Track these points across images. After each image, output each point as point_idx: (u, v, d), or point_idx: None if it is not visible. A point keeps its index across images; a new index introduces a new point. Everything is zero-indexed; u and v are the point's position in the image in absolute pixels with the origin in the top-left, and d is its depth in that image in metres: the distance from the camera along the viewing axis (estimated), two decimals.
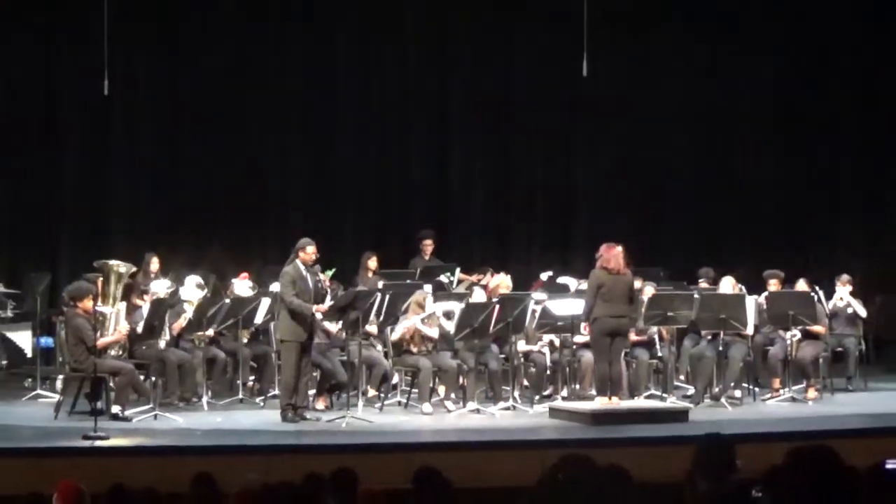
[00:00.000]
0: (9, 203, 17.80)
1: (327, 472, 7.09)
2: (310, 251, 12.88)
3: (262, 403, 13.94)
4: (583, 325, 13.75)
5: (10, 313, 15.59)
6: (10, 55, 17.80)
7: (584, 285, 13.74)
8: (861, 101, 19.39)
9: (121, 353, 13.43)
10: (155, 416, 12.59)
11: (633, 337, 14.10)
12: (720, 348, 14.14)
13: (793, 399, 14.35)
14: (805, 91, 19.38)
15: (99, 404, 12.75)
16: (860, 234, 19.55)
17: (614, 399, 12.98)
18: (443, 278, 15.91)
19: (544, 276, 15.95)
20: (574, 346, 14.09)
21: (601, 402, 12.92)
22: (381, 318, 13.58)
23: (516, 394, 13.87)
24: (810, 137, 19.59)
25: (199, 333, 14.06)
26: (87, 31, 17.06)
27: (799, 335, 14.70)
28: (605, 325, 12.97)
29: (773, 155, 19.61)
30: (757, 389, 14.66)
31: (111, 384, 12.84)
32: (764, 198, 19.51)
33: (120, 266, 13.88)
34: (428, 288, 14.66)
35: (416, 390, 13.88)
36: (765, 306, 14.70)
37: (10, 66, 17.82)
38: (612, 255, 13.05)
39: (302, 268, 12.82)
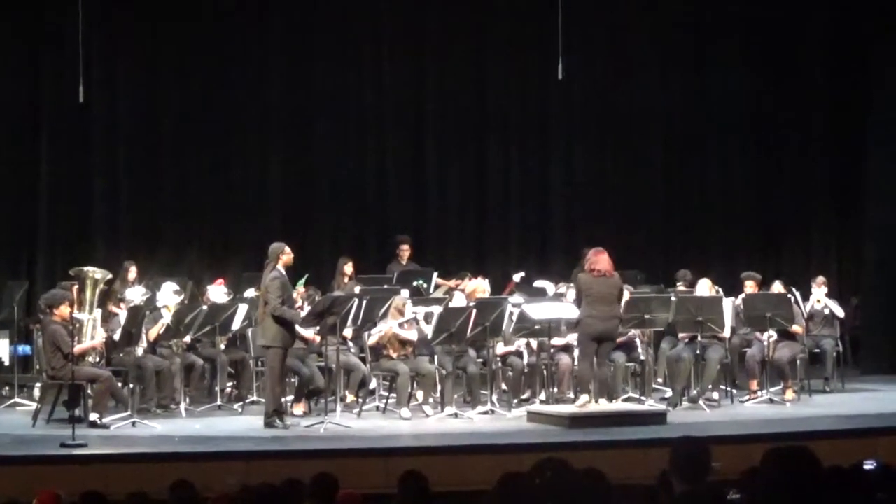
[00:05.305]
0: None
1: (306, 478, 7.09)
2: (289, 253, 12.86)
3: (240, 409, 13.93)
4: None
5: None
6: None
7: (562, 288, 13.70)
8: (834, 105, 19.41)
9: (98, 360, 13.39)
10: (133, 424, 12.56)
11: None
12: (697, 350, 14.13)
13: (770, 400, 14.38)
14: (779, 95, 19.42)
15: (77, 412, 12.73)
16: (834, 236, 19.58)
17: (602, 401, 12.96)
18: (417, 284, 15.88)
19: (517, 277, 15.98)
20: (552, 350, 14.10)
21: (583, 401, 12.85)
22: (359, 323, 13.56)
23: (494, 398, 13.89)
24: (784, 140, 19.65)
25: (177, 340, 14.05)
26: (61, 38, 17.00)
27: (776, 336, 14.73)
28: (591, 328, 12.93)
29: (747, 158, 19.65)
30: (734, 391, 14.69)
31: (89, 391, 12.80)
32: (738, 201, 19.53)
33: (96, 273, 13.79)
34: (405, 293, 14.65)
35: (394, 395, 13.87)
36: (742, 308, 14.72)
37: None
38: (600, 258, 13.06)
39: (284, 273, 12.79)
